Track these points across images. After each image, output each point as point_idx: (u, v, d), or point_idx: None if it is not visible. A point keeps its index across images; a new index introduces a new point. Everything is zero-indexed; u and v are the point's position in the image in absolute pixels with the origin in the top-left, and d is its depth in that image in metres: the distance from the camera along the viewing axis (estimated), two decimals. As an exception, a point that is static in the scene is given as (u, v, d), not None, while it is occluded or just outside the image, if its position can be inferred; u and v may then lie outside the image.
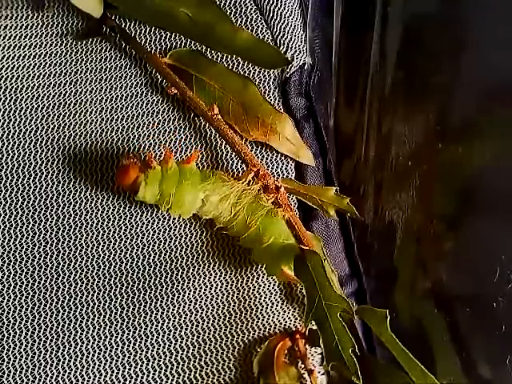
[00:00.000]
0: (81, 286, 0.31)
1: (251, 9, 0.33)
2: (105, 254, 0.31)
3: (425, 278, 0.34)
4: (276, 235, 0.29)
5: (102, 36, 0.33)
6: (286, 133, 0.31)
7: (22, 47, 0.33)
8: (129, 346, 0.31)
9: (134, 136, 0.32)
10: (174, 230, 0.32)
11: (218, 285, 0.32)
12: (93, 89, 0.33)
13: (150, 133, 0.32)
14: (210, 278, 0.32)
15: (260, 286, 0.32)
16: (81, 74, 0.33)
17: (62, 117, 0.32)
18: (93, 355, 0.31)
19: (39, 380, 0.31)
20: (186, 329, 0.31)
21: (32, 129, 0.32)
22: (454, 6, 0.31)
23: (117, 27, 0.33)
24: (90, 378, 0.31)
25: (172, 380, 0.31)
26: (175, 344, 0.31)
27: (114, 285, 0.31)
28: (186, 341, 0.31)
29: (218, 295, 0.32)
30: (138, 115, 0.33)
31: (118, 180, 0.29)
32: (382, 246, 0.35)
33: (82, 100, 0.33)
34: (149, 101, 0.33)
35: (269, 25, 0.33)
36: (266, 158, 0.32)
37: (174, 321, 0.31)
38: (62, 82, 0.33)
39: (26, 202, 0.32)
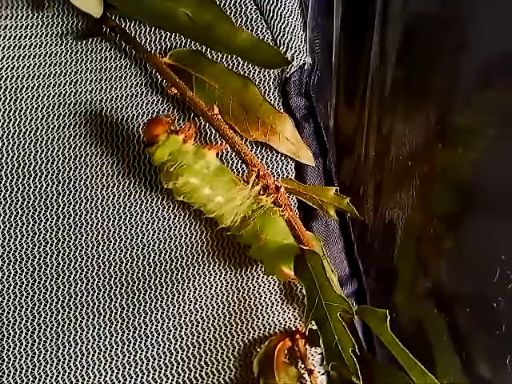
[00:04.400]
0: (81, 286, 0.31)
1: (251, 9, 0.33)
2: (105, 254, 0.31)
3: (425, 277, 0.34)
4: (274, 234, 0.29)
5: (101, 36, 0.33)
6: (286, 133, 0.31)
7: (22, 47, 0.33)
8: (129, 346, 0.31)
9: (135, 136, 0.32)
10: (174, 230, 0.32)
11: (218, 285, 0.32)
12: (93, 89, 0.33)
13: (150, 133, 0.32)
14: (210, 278, 0.32)
15: (260, 286, 0.32)
16: (81, 74, 0.33)
17: (61, 117, 0.32)
18: (93, 355, 0.31)
19: (39, 380, 0.31)
20: (186, 329, 0.31)
21: (32, 129, 0.32)
22: (454, 5, 0.31)
23: (117, 27, 0.33)
24: (90, 378, 0.31)
25: (172, 380, 0.31)
26: (175, 344, 0.31)
27: (114, 285, 0.31)
28: (186, 341, 0.31)
29: (218, 295, 0.32)
30: (138, 115, 0.33)
31: (147, 127, 0.29)
32: (382, 245, 0.35)
33: (82, 100, 0.33)
34: (149, 101, 0.33)
35: (269, 25, 0.33)
36: (266, 158, 0.32)
37: (174, 321, 0.31)
38: (61, 82, 0.33)
39: (25, 202, 0.32)
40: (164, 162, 0.29)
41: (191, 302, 0.31)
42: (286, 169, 0.32)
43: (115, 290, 0.31)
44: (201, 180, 0.29)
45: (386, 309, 0.27)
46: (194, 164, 0.29)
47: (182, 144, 0.29)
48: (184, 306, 0.31)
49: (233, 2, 0.34)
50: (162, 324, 0.31)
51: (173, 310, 0.31)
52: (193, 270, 0.31)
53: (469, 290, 0.31)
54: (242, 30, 0.29)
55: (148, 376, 0.31)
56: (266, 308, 0.32)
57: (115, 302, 0.31)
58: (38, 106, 0.32)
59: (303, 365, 0.31)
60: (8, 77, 0.33)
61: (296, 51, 0.33)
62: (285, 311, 0.32)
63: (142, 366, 0.31)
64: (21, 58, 0.33)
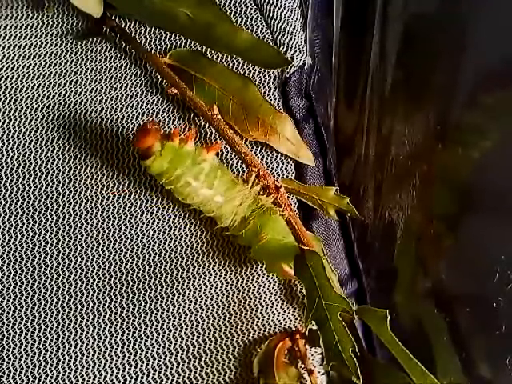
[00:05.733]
0: (81, 286, 0.31)
1: (251, 9, 0.33)
2: (105, 254, 0.31)
3: (425, 277, 0.34)
4: (274, 233, 0.29)
5: (102, 36, 0.33)
6: (286, 133, 0.31)
7: (22, 47, 0.33)
8: (129, 346, 0.31)
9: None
10: (174, 230, 0.32)
11: (218, 285, 0.32)
12: (93, 89, 0.33)
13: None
14: (210, 278, 0.32)
15: (260, 286, 0.32)
16: (81, 74, 0.33)
17: (62, 117, 0.32)
18: (93, 355, 0.31)
19: (39, 380, 0.31)
20: (186, 329, 0.31)
21: (32, 129, 0.32)
22: (453, 5, 0.31)
23: (117, 27, 0.33)
24: (90, 378, 0.31)
25: (172, 380, 0.31)
26: (175, 344, 0.31)
27: (114, 285, 0.31)
28: (186, 341, 0.31)
29: (218, 295, 0.32)
30: (138, 115, 0.33)
31: (137, 140, 0.28)
32: (382, 245, 0.35)
33: (82, 100, 0.33)
34: (149, 101, 0.33)
35: (269, 25, 0.33)
36: (266, 158, 0.32)
37: (174, 321, 0.31)
38: (62, 82, 0.33)
39: (25, 202, 0.32)
40: (162, 176, 0.28)
41: (191, 302, 0.31)
42: (286, 169, 0.32)
43: (115, 290, 0.31)
44: (200, 181, 0.29)
45: (385, 309, 0.27)
46: (193, 167, 0.28)
47: (179, 148, 0.28)
48: (184, 306, 0.31)
49: (233, 2, 0.34)
50: (162, 324, 0.31)
51: (173, 310, 0.31)
52: (193, 270, 0.31)
53: (469, 290, 0.31)
54: (241, 30, 0.29)
55: (148, 376, 0.31)
56: (266, 308, 0.32)
57: (115, 302, 0.31)
58: (38, 106, 0.32)
59: (303, 365, 0.31)
60: (8, 77, 0.33)
61: (296, 51, 0.33)
62: (285, 311, 0.32)
63: (141, 366, 0.31)
64: (21, 58, 0.33)
